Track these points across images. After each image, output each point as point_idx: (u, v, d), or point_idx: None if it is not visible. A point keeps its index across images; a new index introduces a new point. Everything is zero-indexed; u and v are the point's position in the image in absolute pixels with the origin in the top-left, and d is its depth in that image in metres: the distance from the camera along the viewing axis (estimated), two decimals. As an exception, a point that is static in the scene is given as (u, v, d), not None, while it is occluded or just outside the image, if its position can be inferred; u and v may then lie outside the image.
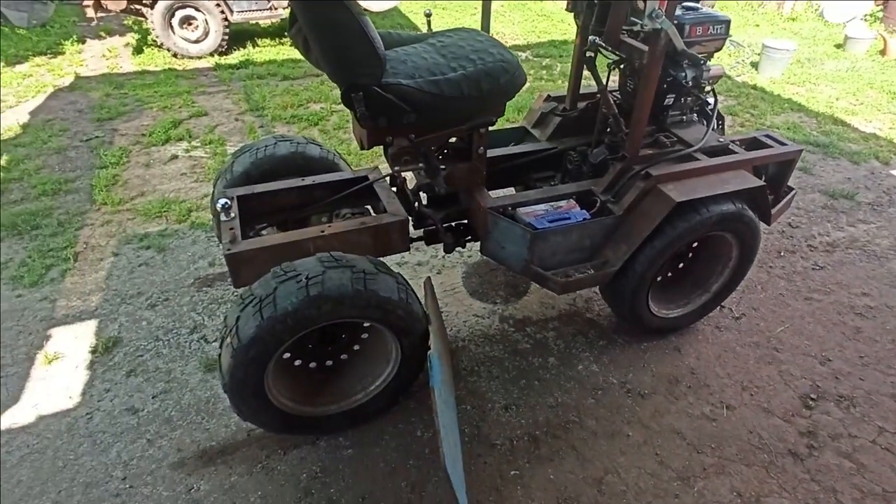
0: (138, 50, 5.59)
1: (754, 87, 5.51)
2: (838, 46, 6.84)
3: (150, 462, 1.95)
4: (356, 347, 2.06)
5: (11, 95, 4.55)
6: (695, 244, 2.39)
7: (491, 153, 2.46)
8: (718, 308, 2.64)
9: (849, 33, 6.70)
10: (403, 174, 2.25)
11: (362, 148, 1.90)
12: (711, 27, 2.23)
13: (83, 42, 5.83)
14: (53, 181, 3.41)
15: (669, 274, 2.49)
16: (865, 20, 7.80)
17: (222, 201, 1.95)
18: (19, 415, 2.07)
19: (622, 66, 2.32)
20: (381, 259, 1.89)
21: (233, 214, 1.98)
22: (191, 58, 5.37)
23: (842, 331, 2.58)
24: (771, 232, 3.27)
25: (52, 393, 2.16)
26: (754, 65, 6.05)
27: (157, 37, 5.20)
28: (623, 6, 2.02)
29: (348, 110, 1.77)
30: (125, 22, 5.79)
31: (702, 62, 2.23)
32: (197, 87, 4.82)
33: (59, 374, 2.24)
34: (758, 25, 7.70)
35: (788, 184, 2.50)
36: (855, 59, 6.39)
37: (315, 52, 1.61)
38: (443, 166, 2.10)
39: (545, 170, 2.55)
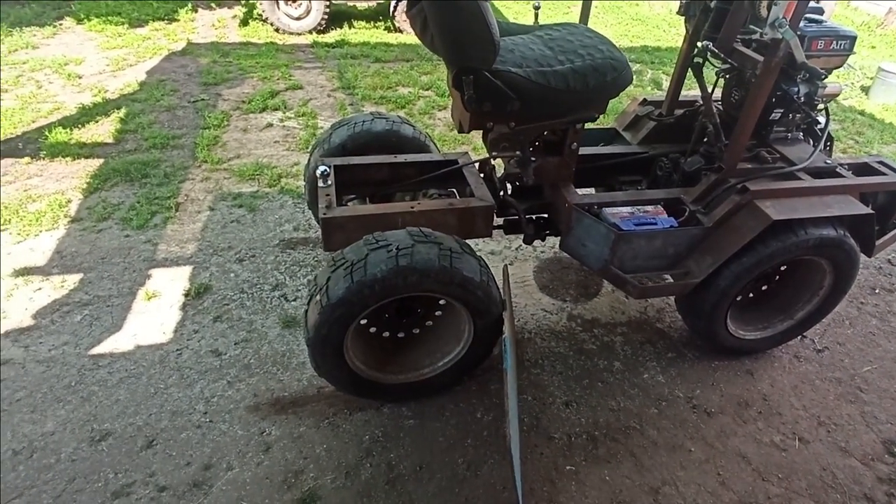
0: (244, 22, 5.91)
1: (862, 113, 5.15)
2: (966, 78, 6.26)
3: (228, 402, 2.10)
4: (429, 324, 2.13)
5: (133, 55, 4.93)
6: (783, 267, 2.30)
7: (582, 151, 2.46)
8: (800, 338, 2.52)
9: (980, 65, 6.12)
10: (493, 162, 2.30)
11: (460, 131, 1.95)
12: (835, 42, 2.13)
13: (196, 11, 6.22)
14: (163, 136, 3.69)
15: (751, 294, 2.40)
16: None
17: (322, 168, 2.06)
18: (122, 341, 2.28)
19: (727, 76, 2.25)
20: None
21: (330, 182, 2.08)
22: (291, 33, 5.62)
23: (937, 380, 2.41)
24: (867, 266, 3.08)
25: (149, 326, 2.36)
26: (864, 89, 5.66)
27: (262, 11, 5.47)
28: (742, 11, 1.96)
29: (447, 93, 1.83)
30: (236, -5, 6.14)
31: (821, 77, 2.14)
32: (295, 62, 5.04)
33: (156, 311, 2.44)
34: (874, 47, 7.17)
35: (897, 217, 2.36)
36: (984, 93, 5.83)
37: (433, 32, 1.66)
38: (533, 158, 2.13)
39: (632, 173, 2.51)
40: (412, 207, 2.01)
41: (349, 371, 1.93)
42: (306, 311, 1.82)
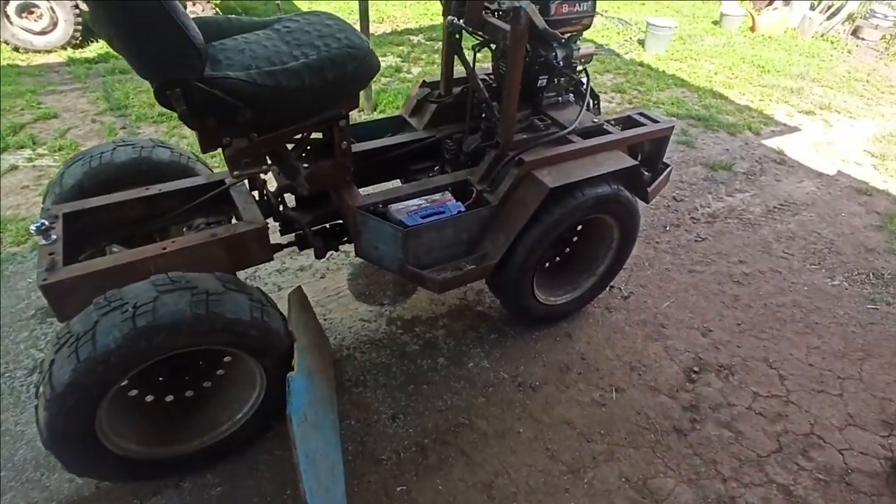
0: (-28, 44, 4.87)
1: (641, 65, 5.68)
2: (715, 23, 7.22)
3: (-27, 535, 1.65)
4: (220, 372, 1.85)
5: None
6: (579, 227, 2.37)
7: (363, 146, 2.31)
8: (608, 289, 2.65)
9: (723, 10, 7.09)
10: (263, 177, 2.05)
11: (203, 151, 1.67)
12: (577, 4, 2.16)
13: None
14: None
15: (557, 259, 2.46)
16: (738, -3, 8.29)
17: (37, 223, 1.67)
18: None
19: (494, 49, 2.22)
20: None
21: (54, 237, 1.69)
22: (37, 52, 4.73)
23: (721, 300, 2.67)
24: (657, 207, 3.35)
25: None
26: (641, 42, 6.24)
27: (-8, 28, 4.53)
28: (480, -17, 1.91)
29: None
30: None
31: (569, 41, 2.18)
32: (45, 86, 4.25)
33: None
34: (643, 3, 7.97)
35: (665, 160, 2.53)
36: (730, 35, 6.78)
37: (115, 42, 1.36)
38: (306, 165, 1.92)
39: (425, 161, 2.42)
40: (164, 249, 1.70)
41: (117, 459, 1.60)
42: (36, 407, 1.45)
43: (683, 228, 3.19)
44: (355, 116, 4.04)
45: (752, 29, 6.94)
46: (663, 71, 5.55)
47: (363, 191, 2.56)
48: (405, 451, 1.92)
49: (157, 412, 1.77)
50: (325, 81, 1.58)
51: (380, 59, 5.14)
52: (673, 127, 2.35)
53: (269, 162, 1.85)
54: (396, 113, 2.63)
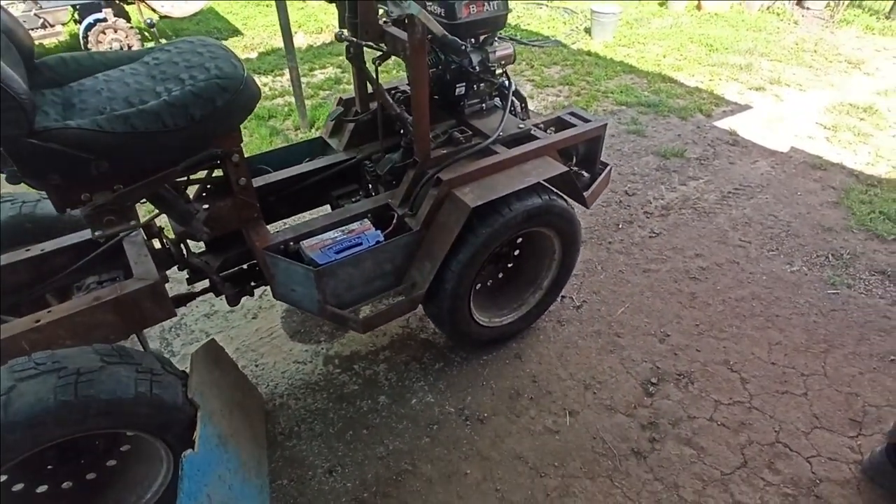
0: None
1: (589, 54, 5.56)
2: (661, 4, 7.14)
3: None
4: (124, 448, 1.66)
5: None
6: (519, 241, 2.22)
7: (279, 175, 2.13)
8: (559, 300, 2.50)
9: (669, -10, 7.01)
10: (157, 223, 1.87)
11: (59, 212, 1.47)
12: (487, 4, 2.01)
13: None
14: None
15: (500, 275, 2.31)
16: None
17: None
18: None
19: (382, 62, 2.05)
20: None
21: (-90, 318, 1.49)
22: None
23: (678, 300, 2.55)
24: (608, 204, 3.22)
25: None
26: (588, 31, 6.13)
27: None
28: (366, -7, 1.74)
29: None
30: None
31: (483, 43, 2.04)
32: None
33: None
34: (589, -9, 7.86)
35: (605, 159, 2.39)
36: (676, 16, 6.70)
37: None
38: (206, 206, 1.74)
39: (348, 184, 2.25)
40: (38, 321, 1.50)
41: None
42: None
43: (637, 224, 3.06)
44: (290, 137, 3.85)
45: (699, 8, 6.88)
46: (611, 58, 5.44)
47: (288, 222, 2.40)
48: (342, 510, 1.75)
49: (54, 502, 1.58)
50: (192, 119, 1.40)
51: (318, 71, 4.99)
52: (606, 125, 2.21)
53: (156, 208, 1.67)
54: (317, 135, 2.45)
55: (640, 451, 1.90)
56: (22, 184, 1.29)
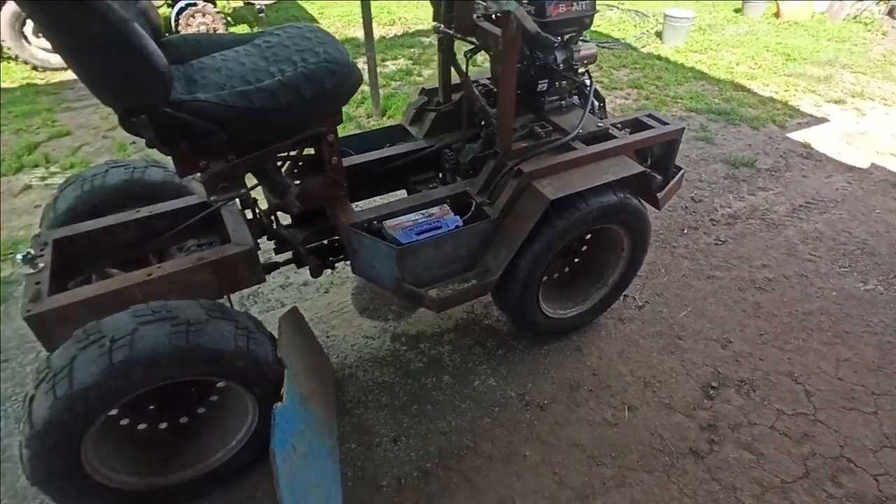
0: (-7, 65, 4.98)
1: (659, 58, 5.48)
2: (737, 11, 6.95)
3: (-29, 567, 1.64)
4: (214, 398, 1.81)
5: None
6: (588, 237, 2.26)
7: (362, 158, 2.24)
8: (622, 298, 2.53)
9: (746, -3, 6.81)
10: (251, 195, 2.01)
11: (180, 177, 1.62)
12: (576, 4, 2.06)
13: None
14: None
15: (566, 269, 2.35)
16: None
17: (23, 252, 1.65)
18: None
19: (493, 54, 2.13)
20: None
21: (41, 265, 1.67)
22: (54, 69, 4.81)
23: (742, 308, 2.53)
24: (674, 209, 3.21)
25: None
26: (659, 35, 6.04)
27: (9, 49, 4.61)
28: (467, -13, 1.81)
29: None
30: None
31: (568, 42, 2.08)
32: (60, 103, 4.32)
33: None
34: (662, -6, 7.72)
35: (679, 162, 2.40)
36: (752, 23, 6.51)
37: (75, 72, 1.32)
38: (298, 181, 1.87)
39: (426, 171, 2.34)
40: (150, 275, 1.66)
41: (111, 491, 1.57)
42: (19, 444, 1.42)
43: (702, 231, 3.04)
44: (362, 124, 3.99)
45: (777, 15, 6.65)
46: (682, 64, 5.35)
47: (365, 203, 2.52)
48: (406, 476, 1.85)
49: (150, 441, 1.74)
50: (302, 99, 1.51)
51: (390, 62, 5.13)
52: (683, 129, 2.22)
53: (257, 181, 1.81)
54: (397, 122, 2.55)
55: (697, 451, 1.92)
56: (154, 149, 1.44)
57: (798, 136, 4.07)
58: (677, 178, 2.34)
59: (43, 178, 3.39)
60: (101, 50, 1.20)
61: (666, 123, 2.26)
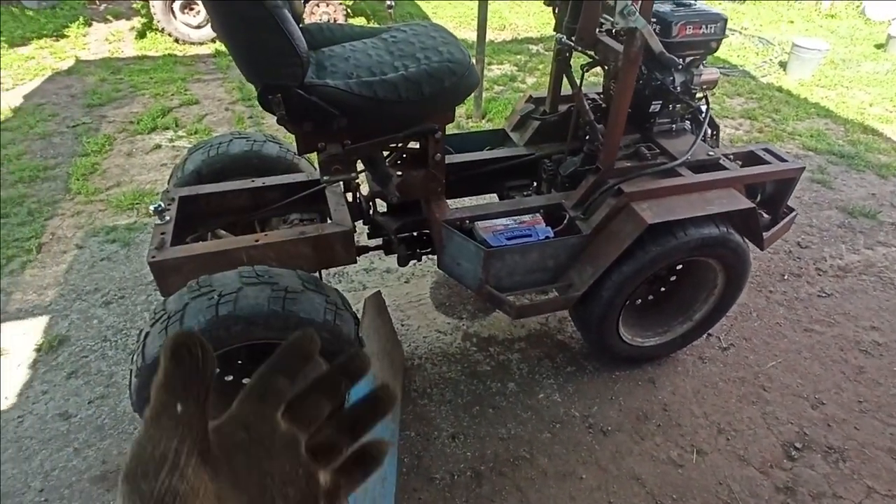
0: (142, 34, 5.52)
1: (779, 90, 5.14)
2: (879, 47, 6.37)
3: (71, 473, 1.85)
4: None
5: (10, 78, 4.54)
6: (679, 267, 2.18)
7: (461, 158, 2.29)
8: (705, 337, 2.41)
9: (892, 32, 6.23)
10: (357, 180, 2.11)
11: (300, 154, 1.75)
12: (705, 27, 1.99)
13: (89, 25, 5.80)
14: (32, 168, 3.36)
15: (651, 297, 2.28)
16: (913, 20, 7.25)
17: (155, 204, 1.84)
18: (-54, 416, 2.00)
19: (606, 69, 2.11)
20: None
21: (168, 217, 1.86)
22: (192, 43, 5.28)
23: (842, 369, 2.33)
24: (776, 252, 3.01)
25: (-14, 393, 2.09)
26: (783, 65, 5.66)
27: (158, 21, 5.12)
28: (595, 1, 1.81)
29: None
30: (133, 5, 5.73)
31: (690, 65, 2.02)
32: (193, 74, 4.73)
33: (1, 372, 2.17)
34: (792, 22, 7.24)
35: (789, 204, 2.26)
36: None
37: (228, 48, 1.45)
38: (400, 173, 1.95)
39: (521, 178, 2.36)
40: (257, 241, 1.80)
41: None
42: (130, 373, 1.60)
43: (805, 280, 2.83)
44: (462, 124, 4.06)
45: (926, 57, 6.03)
46: (805, 98, 4.99)
47: (457, 202, 2.57)
48: (460, 473, 1.88)
49: (235, 393, 1.88)
50: (422, 95, 1.58)
51: (495, 66, 5.17)
52: (803, 168, 2.09)
53: (362, 167, 1.90)
54: (502, 125, 2.58)
55: (770, 512, 1.80)
56: (282, 126, 1.55)
57: (933, 191, 3.68)
58: (788, 219, 2.20)
59: (171, 140, 3.74)
60: (255, 31, 1.33)
61: (784, 160, 2.13)
